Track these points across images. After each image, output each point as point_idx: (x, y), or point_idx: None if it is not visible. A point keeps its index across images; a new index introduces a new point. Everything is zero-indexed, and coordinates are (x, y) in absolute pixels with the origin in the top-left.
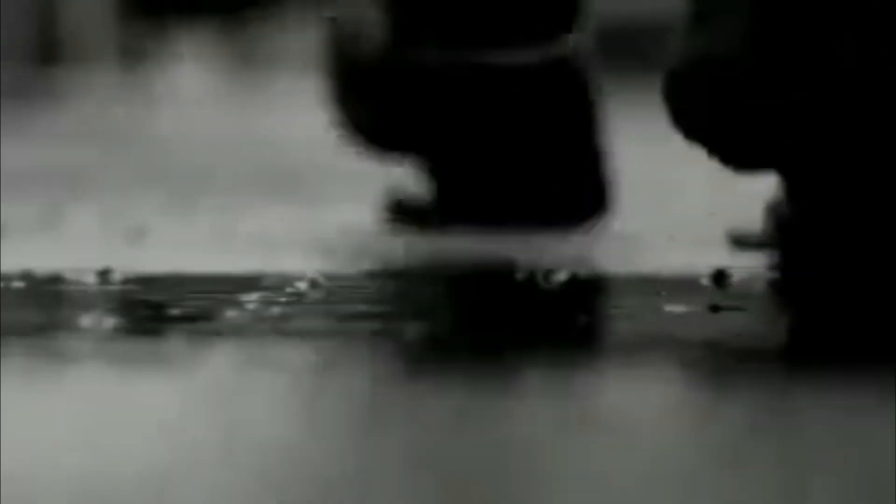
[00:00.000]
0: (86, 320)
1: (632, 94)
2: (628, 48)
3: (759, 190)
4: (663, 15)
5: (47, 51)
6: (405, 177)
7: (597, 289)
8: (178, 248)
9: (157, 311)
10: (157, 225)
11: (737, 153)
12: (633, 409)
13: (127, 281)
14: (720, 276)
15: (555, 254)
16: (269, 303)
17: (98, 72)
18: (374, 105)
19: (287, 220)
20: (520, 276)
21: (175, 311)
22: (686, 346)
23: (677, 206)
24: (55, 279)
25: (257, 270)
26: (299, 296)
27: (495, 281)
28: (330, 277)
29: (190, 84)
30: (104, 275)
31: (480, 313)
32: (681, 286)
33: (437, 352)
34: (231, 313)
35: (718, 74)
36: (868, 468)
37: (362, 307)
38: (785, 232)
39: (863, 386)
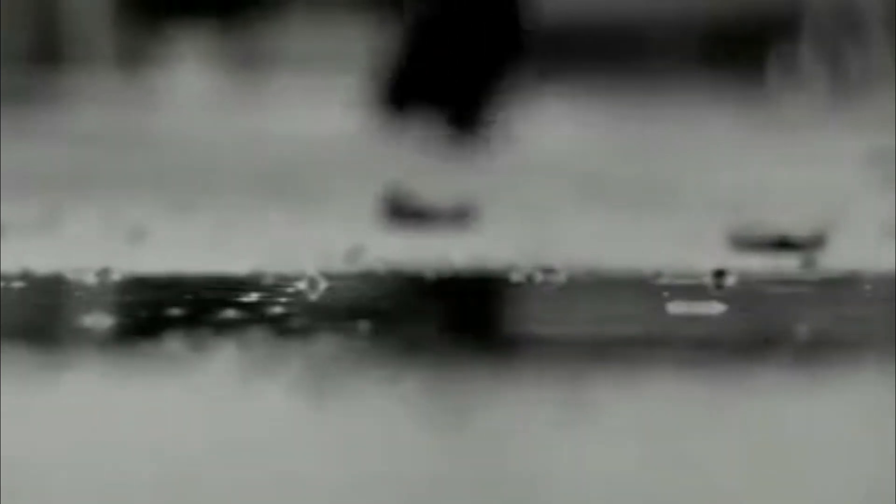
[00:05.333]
0: (85, 320)
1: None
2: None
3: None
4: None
5: (47, 52)
6: (402, 177)
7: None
8: (178, 248)
9: (156, 311)
10: (156, 225)
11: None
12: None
13: (126, 281)
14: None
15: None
16: (269, 303)
17: (98, 72)
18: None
19: (286, 219)
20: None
21: (175, 311)
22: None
23: None
24: (55, 279)
25: (257, 270)
26: (299, 296)
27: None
28: (329, 277)
29: (190, 84)
30: (103, 275)
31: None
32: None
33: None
34: (231, 313)
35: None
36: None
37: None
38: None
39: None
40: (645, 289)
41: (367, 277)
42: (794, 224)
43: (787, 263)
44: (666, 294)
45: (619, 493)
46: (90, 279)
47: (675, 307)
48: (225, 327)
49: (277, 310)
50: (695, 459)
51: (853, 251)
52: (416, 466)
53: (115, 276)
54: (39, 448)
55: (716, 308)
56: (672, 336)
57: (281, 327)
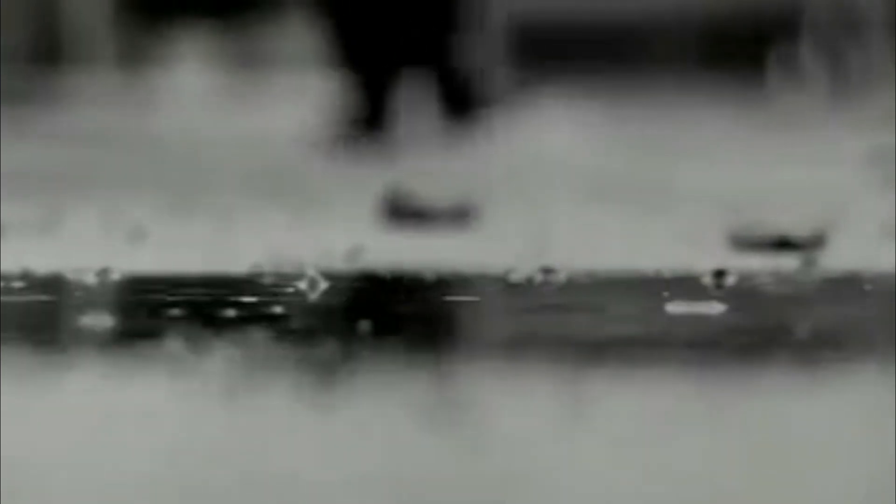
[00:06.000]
0: (85, 320)
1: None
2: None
3: None
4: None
5: (47, 52)
6: (402, 178)
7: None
8: (178, 248)
9: (156, 312)
10: (156, 225)
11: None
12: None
13: (126, 281)
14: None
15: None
16: (269, 303)
17: (98, 72)
18: None
19: (286, 219)
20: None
21: (175, 312)
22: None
23: None
24: (55, 279)
25: (257, 270)
26: (299, 296)
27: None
28: (330, 277)
29: (190, 84)
30: (103, 275)
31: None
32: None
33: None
34: (231, 313)
35: None
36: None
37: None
38: None
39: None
40: (645, 289)
41: (367, 277)
42: (794, 224)
43: (787, 263)
44: (666, 294)
45: (619, 493)
46: (90, 279)
47: (675, 307)
48: (225, 327)
49: (277, 310)
50: (694, 459)
51: (853, 251)
52: (416, 466)
53: (115, 276)
54: (39, 448)
55: (716, 308)
56: (672, 336)
57: (281, 327)
